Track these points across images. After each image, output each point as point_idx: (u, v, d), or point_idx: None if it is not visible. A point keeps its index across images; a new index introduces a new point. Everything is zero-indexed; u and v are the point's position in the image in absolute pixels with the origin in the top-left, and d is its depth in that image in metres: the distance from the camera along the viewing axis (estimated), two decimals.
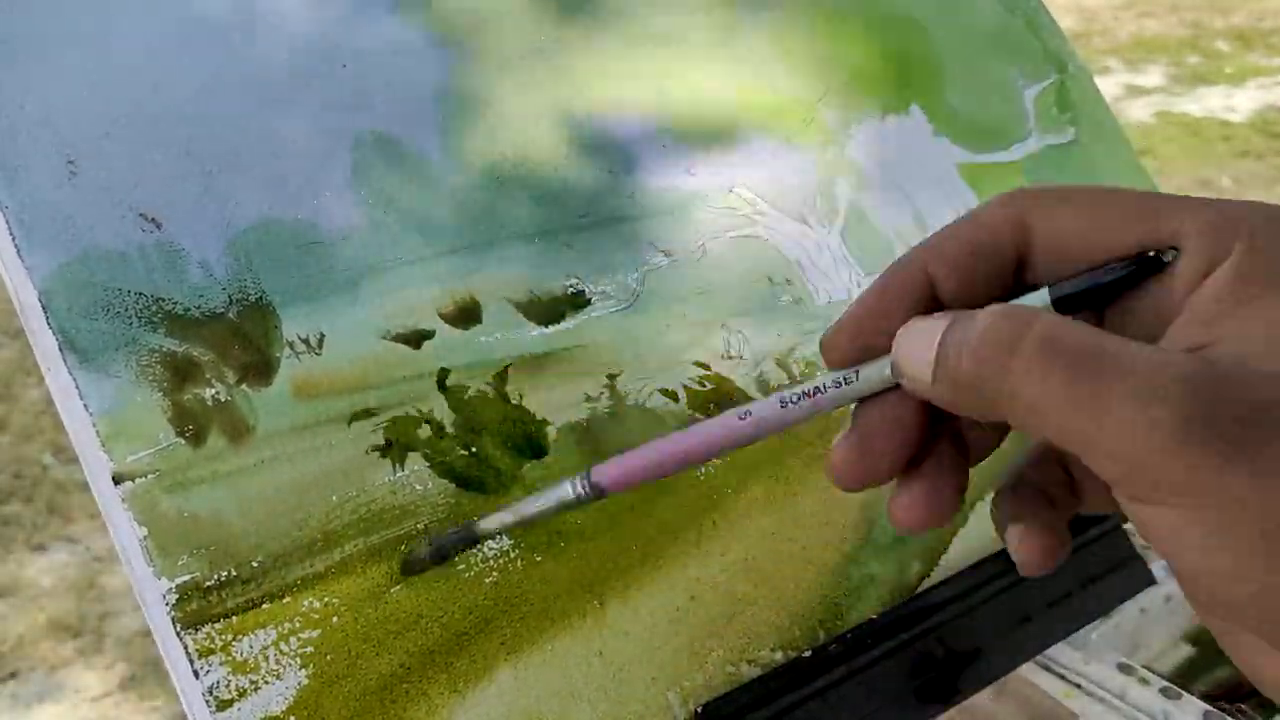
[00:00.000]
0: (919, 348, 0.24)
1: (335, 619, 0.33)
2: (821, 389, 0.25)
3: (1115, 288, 0.23)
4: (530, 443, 0.38)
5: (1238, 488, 0.20)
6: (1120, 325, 0.24)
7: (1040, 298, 0.24)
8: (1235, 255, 0.22)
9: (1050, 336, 0.22)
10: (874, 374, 0.25)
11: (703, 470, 0.41)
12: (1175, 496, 0.21)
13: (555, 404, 0.39)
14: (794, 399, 0.25)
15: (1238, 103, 3.39)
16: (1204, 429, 0.20)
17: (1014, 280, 0.26)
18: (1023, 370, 0.22)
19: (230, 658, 0.31)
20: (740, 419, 0.26)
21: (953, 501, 0.26)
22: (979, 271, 0.25)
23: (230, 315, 0.35)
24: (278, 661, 0.32)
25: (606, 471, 0.27)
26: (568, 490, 0.28)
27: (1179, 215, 0.23)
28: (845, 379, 0.25)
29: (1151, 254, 0.22)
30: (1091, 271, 0.23)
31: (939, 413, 0.26)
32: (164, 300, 0.34)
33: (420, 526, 0.35)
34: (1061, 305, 0.23)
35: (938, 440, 0.26)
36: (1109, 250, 0.24)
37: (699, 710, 0.37)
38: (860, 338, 0.26)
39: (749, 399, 0.43)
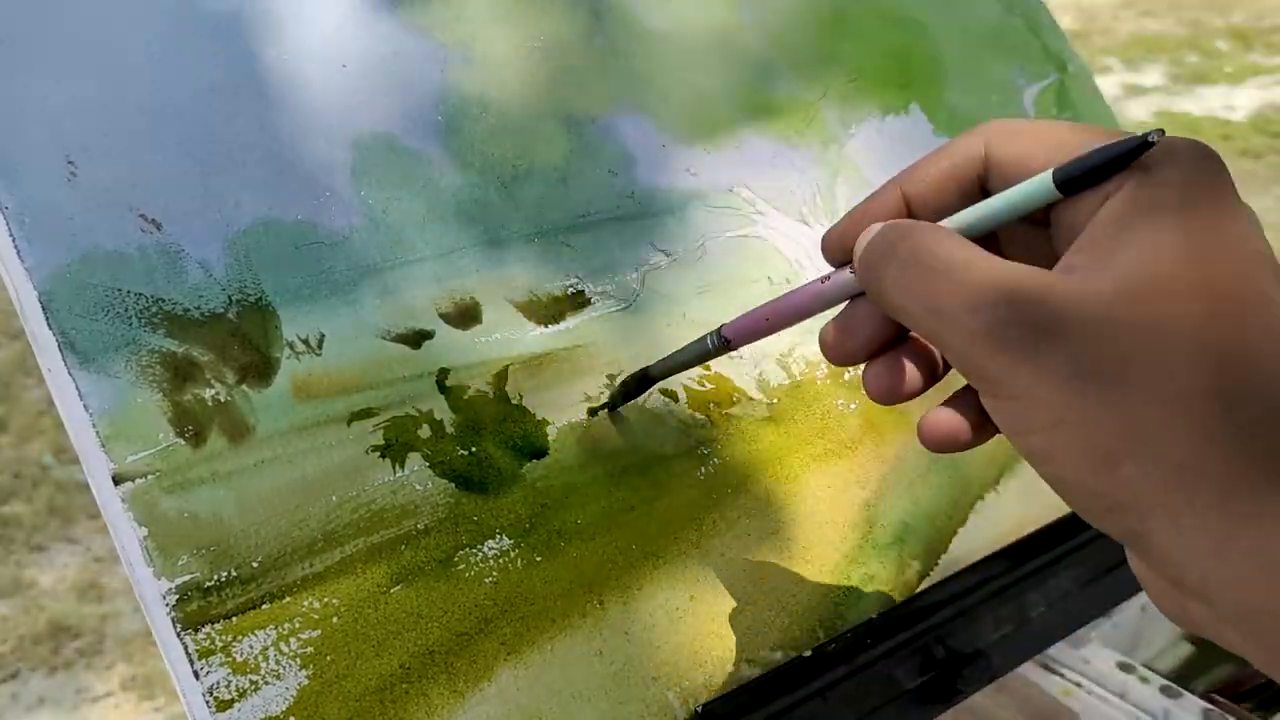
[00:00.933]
0: (858, 249, 0.29)
1: (335, 619, 0.33)
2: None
3: (1113, 166, 0.25)
4: (530, 443, 0.38)
5: (1030, 385, 0.24)
6: (1053, 242, 0.27)
7: (1044, 179, 0.26)
8: (1126, 186, 0.25)
9: (915, 248, 0.26)
10: None
11: (703, 470, 0.41)
12: (996, 391, 0.25)
13: (555, 404, 0.39)
14: (852, 270, 0.30)
15: (1237, 102, 3.39)
16: (1005, 335, 0.24)
17: (979, 198, 0.29)
18: (891, 278, 0.27)
19: (230, 658, 0.31)
20: (822, 282, 0.31)
21: (915, 379, 0.30)
22: (947, 189, 0.29)
23: (230, 315, 0.35)
24: (278, 662, 0.32)
25: (734, 326, 0.34)
26: (707, 343, 0.35)
27: (1109, 144, 0.25)
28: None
29: (1144, 137, 0.24)
30: (1089, 154, 0.25)
31: None
32: (164, 300, 0.34)
33: (420, 526, 0.35)
34: (1065, 187, 0.26)
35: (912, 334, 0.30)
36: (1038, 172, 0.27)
37: (699, 710, 0.37)
38: (843, 240, 0.31)
39: (749, 399, 0.43)
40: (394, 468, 0.35)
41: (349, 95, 0.39)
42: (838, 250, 0.31)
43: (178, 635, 0.31)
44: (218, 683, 0.31)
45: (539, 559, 0.36)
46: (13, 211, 0.33)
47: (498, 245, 0.40)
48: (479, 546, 0.36)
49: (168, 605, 0.31)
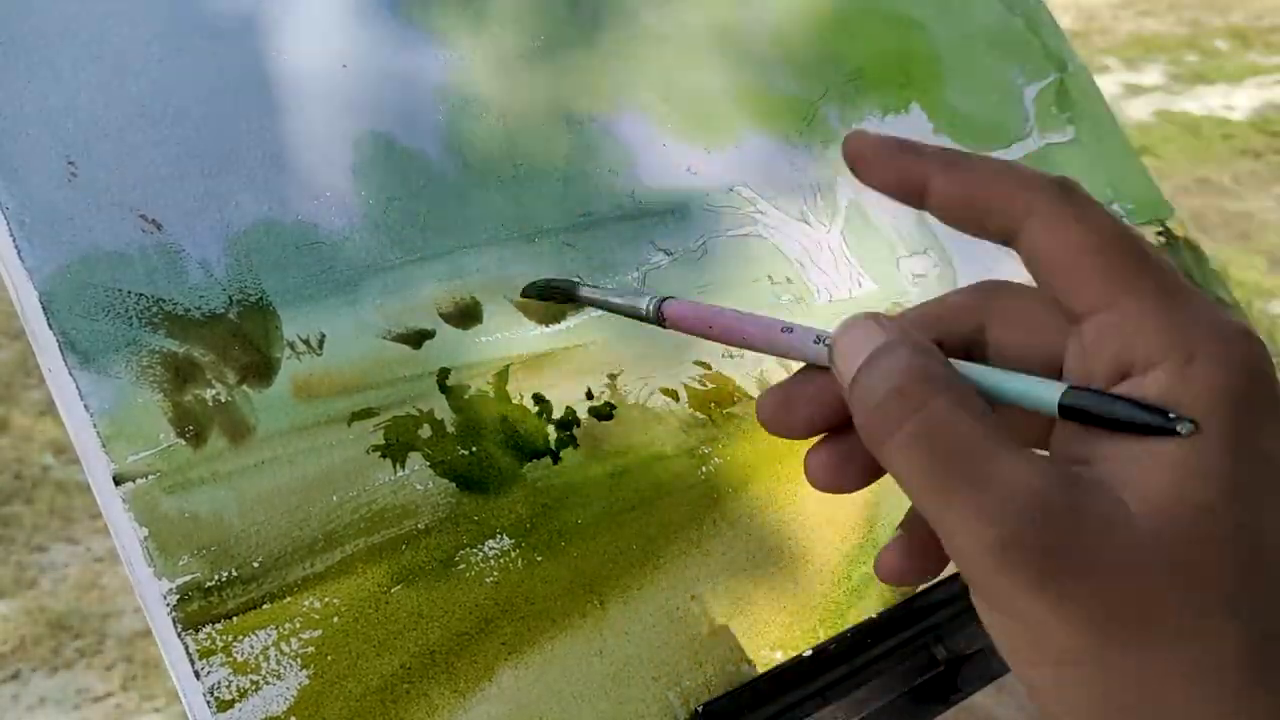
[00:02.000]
0: (847, 354, 0.25)
1: (336, 619, 0.33)
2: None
3: (1127, 428, 0.22)
4: (531, 442, 0.38)
5: (1044, 615, 0.21)
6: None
7: (1050, 391, 0.23)
8: (1164, 376, 0.22)
9: (930, 428, 0.23)
10: None
11: (704, 470, 0.41)
12: (999, 607, 0.22)
13: (556, 403, 0.39)
14: (824, 339, 0.27)
15: (1237, 101, 3.39)
16: (1020, 558, 0.21)
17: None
18: (896, 449, 0.23)
19: (231, 658, 0.31)
20: (781, 331, 0.28)
21: (856, 476, 0.27)
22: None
23: (230, 316, 0.35)
24: (278, 662, 0.32)
25: (675, 307, 0.31)
26: (641, 304, 0.31)
27: (1125, 314, 0.23)
28: None
29: (1172, 416, 0.21)
30: (1110, 398, 0.23)
31: None
32: (164, 301, 0.34)
33: (421, 526, 0.35)
34: (1066, 413, 0.23)
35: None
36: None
37: (699, 709, 0.37)
38: (864, 167, 0.26)
39: (749, 398, 0.43)
40: (395, 467, 0.35)
41: (349, 95, 0.39)
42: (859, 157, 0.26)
43: (178, 635, 0.31)
44: (218, 683, 0.31)
45: (540, 559, 0.36)
46: (13, 212, 0.33)
47: (498, 245, 0.40)
48: (480, 546, 0.36)
49: (168, 605, 0.31)
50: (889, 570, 0.27)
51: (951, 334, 0.26)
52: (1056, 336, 0.24)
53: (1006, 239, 0.25)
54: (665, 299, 0.31)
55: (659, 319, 0.31)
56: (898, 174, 0.26)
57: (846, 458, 0.27)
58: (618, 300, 0.33)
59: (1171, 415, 0.21)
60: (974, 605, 0.24)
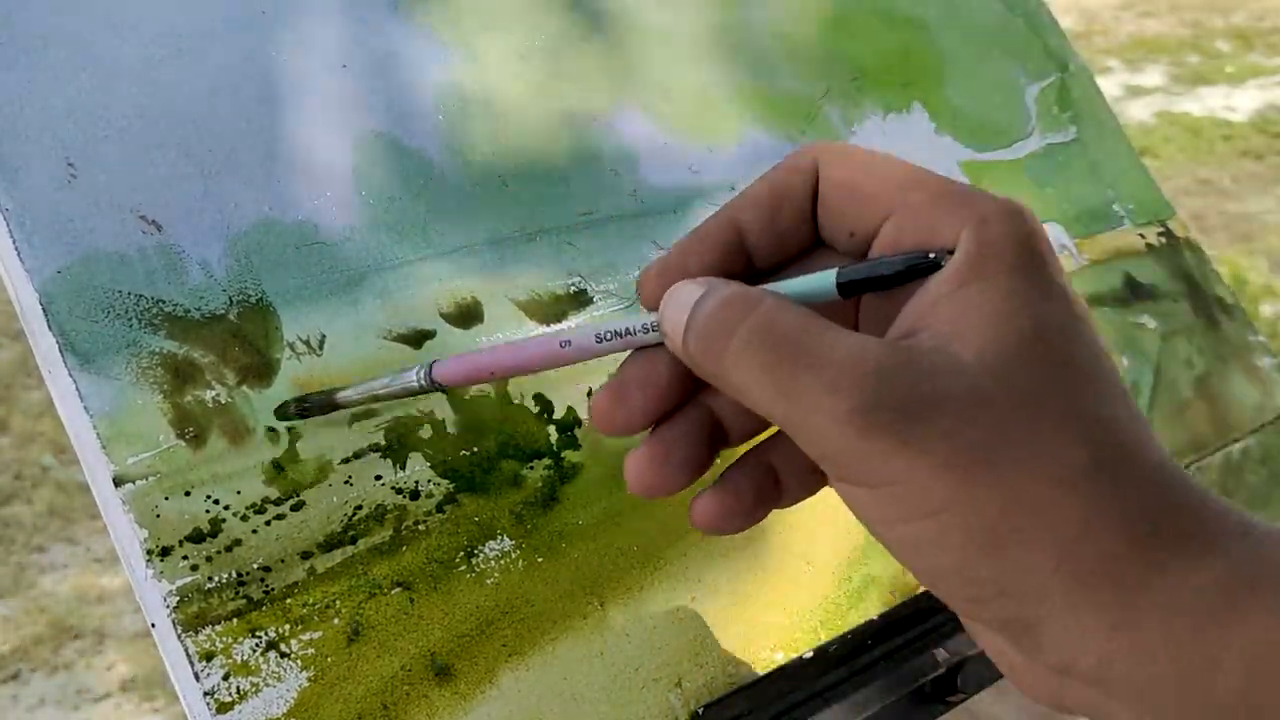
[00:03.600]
0: (676, 310, 0.26)
1: (336, 620, 0.33)
2: (631, 330, 0.28)
3: (896, 279, 0.25)
4: (532, 443, 0.38)
5: (906, 471, 0.22)
6: (889, 309, 0.26)
7: (827, 277, 0.25)
8: (962, 244, 0.24)
9: (761, 327, 0.24)
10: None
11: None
12: (862, 479, 0.23)
13: (557, 404, 0.39)
14: (607, 335, 0.28)
15: (1238, 102, 3.39)
16: (876, 419, 0.22)
17: (813, 231, 0.28)
18: (734, 355, 0.24)
19: (231, 660, 0.31)
20: (560, 346, 0.28)
21: (681, 472, 0.27)
22: (780, 219, 0.27)
23: (230, 316, 0.35)
24: (278, 664, 0.32)
25: (445, 367, 0.31)
26: (412, 378, 0.31)
27: (925, 197, 0.25)
28: (651, 326, 0.27)
29: (931, 254, 0.24)
30: (874, 262, 0.25)
31: (698, 381, 0.27)
32: (164, 302, 0.34)
33: (421, 527, 0.35)
34: (845, 289, 0.25)
35: (691, 408, 0.28)
36: (863, 211, 0.26)
37: (700, 711, 0.37)
38: (666, 279, 0.28)
39: None
40: (395, 468, 0.35)
41: (349, 95, 0.39)
42: (659, 286, 0.28)
43: (178, 637, 0.31)
44: (218, 684, 0.31)
45: (540, 560, 0.36)
46: (13, 213, 0.32)
47: (499, 244, 0.40)
48: (480, 547, 0.36)
49: (168, 607, 0.31)
50: (637, 478, 0.27)
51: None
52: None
53: (812, 205, 0.27)
54: (433, 363, 0.31)
55: (432, 384, 0.31)
56: (717, 251, 0.28)
57: (666, 453, 0.27)
58: (384, 387, 0.32)
59: (931, 253, 0.24)
60: (837, 492, 0.25)
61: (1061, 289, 0.24)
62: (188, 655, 0.31)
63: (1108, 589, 0.22)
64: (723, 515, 0.28)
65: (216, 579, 0.32)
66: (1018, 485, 0.22)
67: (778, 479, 0.28)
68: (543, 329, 0.40)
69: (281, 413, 0.34)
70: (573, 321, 0.40)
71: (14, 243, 0.32)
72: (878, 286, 0.25)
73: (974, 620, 0.25)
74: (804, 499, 0.29)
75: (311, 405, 0.34)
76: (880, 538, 0.24)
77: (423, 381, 0.31)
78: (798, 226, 0.28)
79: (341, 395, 0.34)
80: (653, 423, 0.28)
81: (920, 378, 0.22)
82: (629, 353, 0.28)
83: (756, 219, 0.28)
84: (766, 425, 0.29)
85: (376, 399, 0.33)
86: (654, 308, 0.28)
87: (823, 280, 0.25)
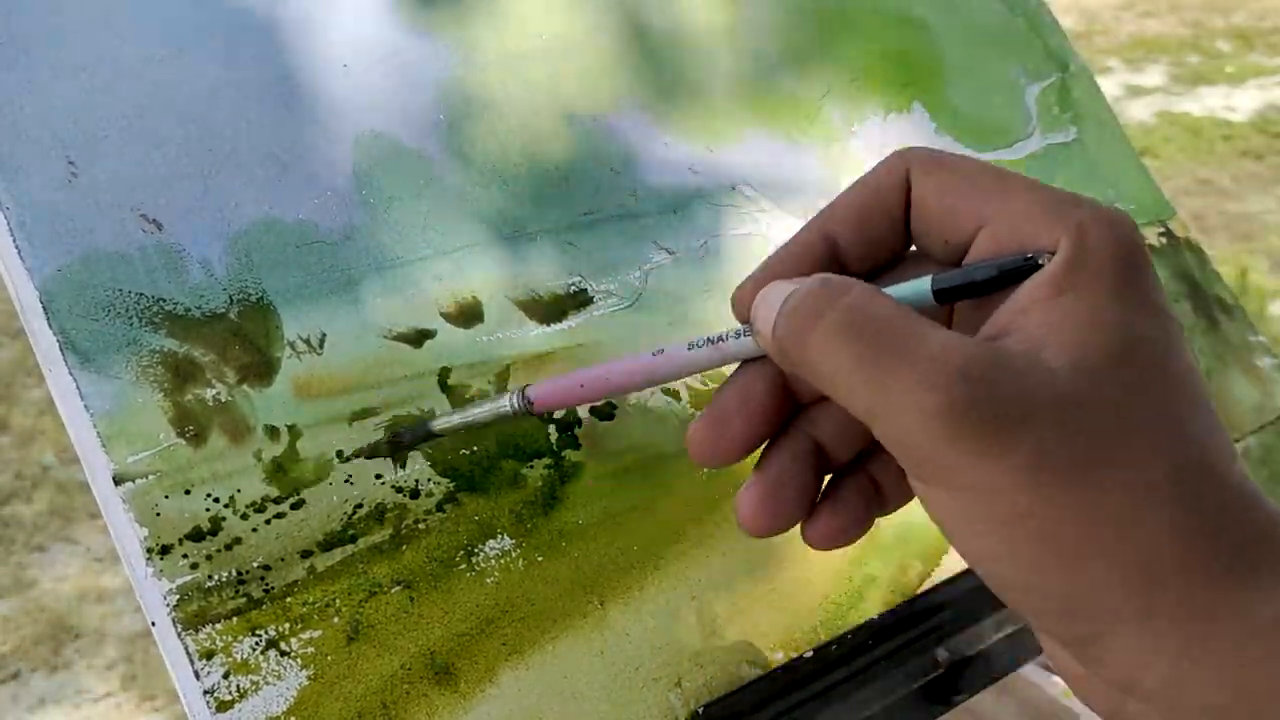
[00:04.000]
0: (768, 308, 0.26)
1: (336, 619, 0.33)
2: (724, 337, 0.27)
3: (993, 284, 0.24)
4: (532, 442, 0.38)
5: (991, 476, 0.22)
6: (982, 319, 0.25)
7: (923, 283, 0.25)
8: (1060, 251, 0.23)
9: (852, 312, 0.23)
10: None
11: (705, 471, 0.41)
12: (944, 481, 0.22)
13: None
14: (699, 343, 0.27)
15: (1238, 102, 3.39)
16: (966, 420, 0.21)
17: (906, 236, 0.27)
18: (820, 341, 0.23)
19: (231, 658, 0.31)
20: (653, 355, 0.28)
21: (795, 503, 0.27)
22: (872, 228, 0.27)
23: (231, 315, 0.35)
24: (278, 662, 0.32)
25: (540, 390, 0.30)
26: (505, 404, 0.31)
27: (1023, 203, 0.25)
28: (745, 332, 0.27)
29: (1028, 257, 0.24)
30: (971, 267, 0.25)
31: (797, 405, 0.27)
32: (165, 301, 0.34)
33: (421, 526, 0.35)
34: (941, 296, 0.25)
35: (792, 436, 0.27)
36: (958, 220, 0.26)
37: (700, 710, 0.37)
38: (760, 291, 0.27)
39: None
40: (395, 467, 0.35)
41: (350, 95, 0.39)
42: (751, 306, 0.27)
43: (178, 636, 0.31)
44: (218, 683, 0.31)
45: (540, 559, 0.36)
46: (14, 212, 0.33)
47: (500, 244, 0.40)
48: (480, 546, 0.36)
49: (168, 606, 0.31)
50: (753, 518, 0.27)
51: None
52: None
53: (904, 213, 0.27)
54: (526, 386, 0.30)
55: (528, 408, 0.31)
56: (809, 264, 0.27)
57: (778, 488, 0.27)
58: (480, 412, 0.32)
59: (1029, 254, 0.23)
60: (913, 490, 0.24)
61: (1157, 303, 0.23)
62: (188, 654, 0.31)
63: (1181, 611, 0.21)
64: (839, 532, 0.27)
65: (216, 577, 0.32)
66: (1101, 499, 0.21)
67: (879, 487, 0.28)
68: (543, 328, 0.40)
69: (373, 451, 0.35)
70: (573, 321, 0.40)
71: (14, 241, 0.32)
72: (975, 293, 0.25)
73: (1040, 630, 0.24)
74: (906, 505, 0.29)
75: (406, 438, 0.34)
76: (953, 541, 0.24)
77: (516, 406, 0.31)
78: (890, 235, 0.27)
79: (436, 424, 0.34)
80: (752, 450, 0.27)
81: (1011, 381, 0.22)
82: (722, 385, 0.27)
83: (848, 229, 0.27)
84: (868, 444, 0.28)
85: (471, 426, 0.33)
86: (747, 319, 0.27)
87: (918, 287, 0.25)
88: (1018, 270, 0.24)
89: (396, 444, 0.35)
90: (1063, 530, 0.22)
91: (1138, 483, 0.22)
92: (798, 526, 0.28)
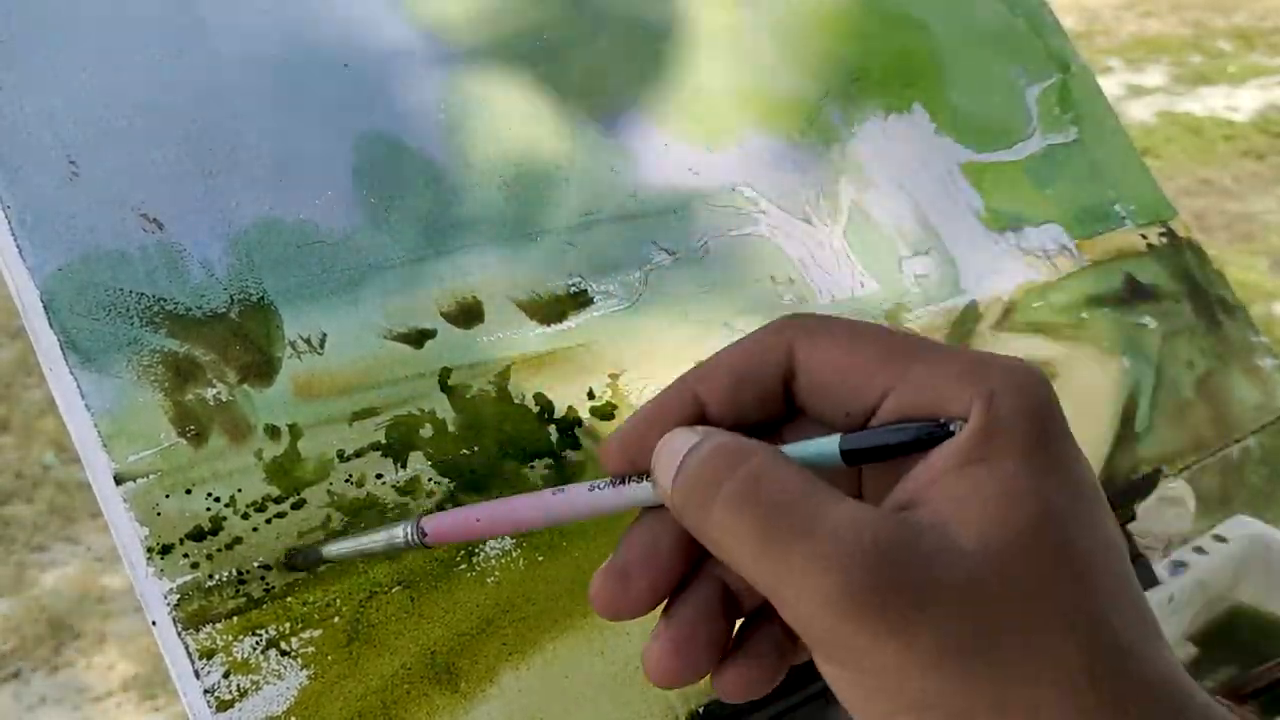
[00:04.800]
0: (666, 460, 0.25)
1: (336, 619, 0.33)
2: (625, 480, 0.26)
3: (904, 448, 0.23)
4: (532, 442, 0.38)
5: (897, 660, 0.21)
6: (890, 478, 0.24)
7: (831, 444, 0.24)
8: (971, 419, 0.22)
9: (751, 482, 0.22)
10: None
11: None
12: (848, 662, 0.22)
13: (558, 403, 0.39)
14: (602, 486, 0.26)
15: (1239, 102, 3.39)
16: (869, 603, 0.21)
17: (784, 403, 0.26)
18: (719, 513, 0.22)
19: (231, 658, 0.31)
20: (553, 494, 0.27)
21: (705, 655, 0.25)
22: (744, 394, 0.26)
23: (232, 315, 0.35)
24: (279, 662, 0.32)
25: (436, 523, 0.29)
26: (400, 535, 0.29)
27: (928, 370, 0.24)
28: (645, 476, 0.26)
29: (940, 422, 0.23)
30: (882, 429, 0.24)
31: (703, 550, 0.25)
32: (165, 300, 0.34)
33: None
34: (850, 458, 0.24)
35: (699, 582, 0.26)
36: (858, 390, 0.24)
37: (700, 710, 0.37)
38: (628, 450, 0.26)
39: None
40: (396, 466, 0.35)
41: (351, 95, 0.39)
42: (621, 458, 0.26)
43: (179, 635, 0.31)
44: (218, 682, 0.31)
45: (541, 559, 0.36)
46: (15, 211, 0.33)
47: (500, 244, 0.40)
48: (481, 546, 0.36)
49: (169, 605, 0.31)
50: (661, 672, 0.25)
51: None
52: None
53: (783, 383, 0.25)
54: (422, 517, 0.29)
55: (421, 540, 0.29)
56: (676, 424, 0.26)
57: (687, 639, 0.25)
58: (373, 542, 0.31)
59: (942, 420, 0.23)
60: (816, 666, 0.23)
61: (1071, 471, 0.23)
62: (188, 653, 0.31)
63: None
64: (750, 684, 0.26)
65: (217, 577, 0.32)
66: (1009, 688, 0.21)
67: (792, 636, 0.26)
68: (543, 328, 0.40)
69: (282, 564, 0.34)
70: (573, 321, 0.41)
71: (15, 240, 0.32)
72: (885, 455, 0.24)
73: None
74: None
75: (298, 560, 0.33)
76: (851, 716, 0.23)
77: (410, 538, 0.29)
78: (763, 403, 0.26)
79: (328, 550, 0.33)
80: (656, 604, 0.26)
81: (918, 562, 0.21)
82: (626, 532, 0.26)
83: (716, 395, 0.26)
84: None
85: (364, 555, 0.32)
86: (617, 472, 0.26)
87: (825, 447, 0.24)
88: (930, 437, 0.23)
89: (290, 564, 0.33)
90: (963, 718, 0.21)
91: (1048, 672, 0.21)
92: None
